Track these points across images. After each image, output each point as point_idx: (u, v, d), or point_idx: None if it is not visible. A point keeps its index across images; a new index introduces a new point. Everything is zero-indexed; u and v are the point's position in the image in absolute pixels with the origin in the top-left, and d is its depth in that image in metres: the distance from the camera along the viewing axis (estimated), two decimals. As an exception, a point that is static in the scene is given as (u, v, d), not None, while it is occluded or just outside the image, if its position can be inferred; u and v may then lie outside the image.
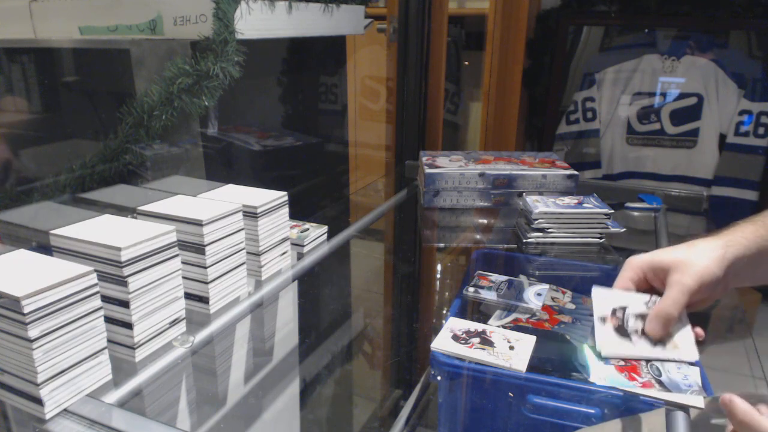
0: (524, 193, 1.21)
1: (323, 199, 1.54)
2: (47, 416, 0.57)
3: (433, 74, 1.62)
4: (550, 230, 1.08)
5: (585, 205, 1.10)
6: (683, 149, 1.75)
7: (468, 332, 0.70)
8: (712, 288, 0.59)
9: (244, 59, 0.89)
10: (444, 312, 0.76)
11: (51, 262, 0.60)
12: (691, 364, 0.59)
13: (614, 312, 0.63)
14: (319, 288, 1.01)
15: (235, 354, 0.79)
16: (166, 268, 0.68)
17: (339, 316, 1.01)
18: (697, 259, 0.59)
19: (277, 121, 1.41)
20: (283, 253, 0.92)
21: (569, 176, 1.23)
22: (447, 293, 1.13)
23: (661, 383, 0.55)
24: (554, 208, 1.08)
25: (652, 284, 0.65)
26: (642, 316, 0.62)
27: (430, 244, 1.25)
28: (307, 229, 1.01)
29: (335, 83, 1.76)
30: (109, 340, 0.62)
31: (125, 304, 0.64)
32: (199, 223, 0.73)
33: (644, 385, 0.55)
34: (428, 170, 1.25)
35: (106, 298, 0.64)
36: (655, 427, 0.56)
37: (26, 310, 0.53)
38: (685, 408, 0.53)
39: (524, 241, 1.08)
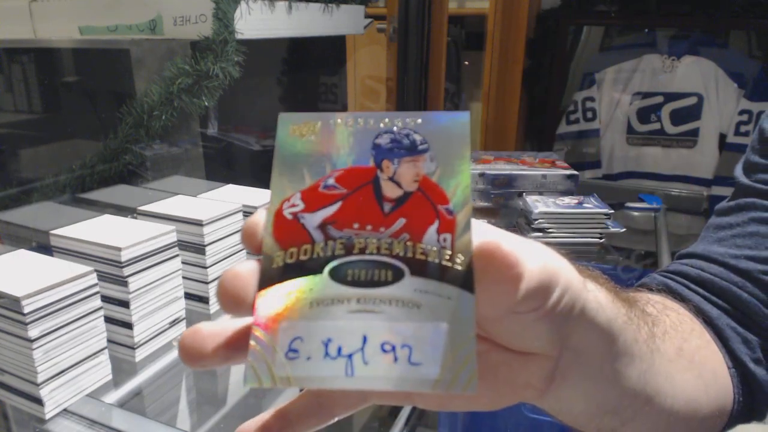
0: (524, 193, 1.21)
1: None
2: (47, 416, 0.57)
3: (433, 74, 1.62)
4: (550, 230, 1.08)
5: (585, 205, 1.10)
6: (683, 149, 1.75)
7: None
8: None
9: (244, 59, 0.89)
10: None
11: (51, 262, 0.60)
12: None
13: None
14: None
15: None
16: (166, 268, 0.68)
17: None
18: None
19: (276, 121, 1.41)
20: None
21: (569, 176, 1.23)
22: (447, 293, 1.12)
23: None
24: (554, 209, 1.08)
25: None
26: None
27: (430, 244, 1.25)
28: (307, 229, 1.01)
29: (335, 83, 1.76)
30: (109, 340, 0.62)
31: (125, 304, 0.64)
32: (199, 224, 0.73)
33: None
34: (428, 170, 1.24)
35: (106, 298, 0.64)
36: None
37: (26, 310, 0.53)
38: None
39: (524, 241, 1.08)
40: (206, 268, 0.75)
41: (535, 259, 0.20)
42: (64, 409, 0.58)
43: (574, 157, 1.85)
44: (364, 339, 0.18)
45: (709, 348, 0.37)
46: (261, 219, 0.21)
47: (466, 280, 0.19)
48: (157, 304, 0.68)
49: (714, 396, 0.35)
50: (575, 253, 1.09)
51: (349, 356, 0.18)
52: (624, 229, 1.09)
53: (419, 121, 0.22)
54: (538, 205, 1.09)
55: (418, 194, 0.21)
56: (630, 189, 1.58)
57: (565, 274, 0.22)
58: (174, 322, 0.71)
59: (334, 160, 0.22)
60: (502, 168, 1.26)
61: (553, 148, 1.88)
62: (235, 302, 0.19)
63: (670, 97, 1.74)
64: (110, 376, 0.63)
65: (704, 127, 1.73)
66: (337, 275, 0.20)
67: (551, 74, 1.87)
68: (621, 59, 1.79)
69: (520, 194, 1.23)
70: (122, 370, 0.65)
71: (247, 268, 0.20)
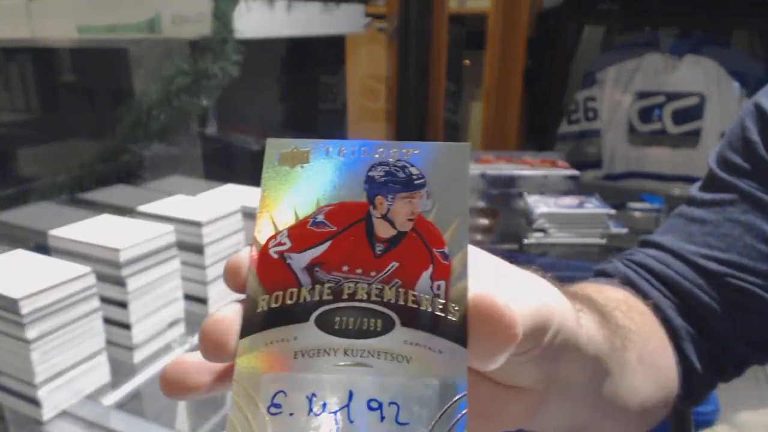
0: (525, 194, 1.20)
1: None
2: (45, 418, 0.56)
3: (434, 74, 1.61)
4: (551, 231, 1.07)
5: (586, 205, 1.10)
6: (685, 149, 1.74)
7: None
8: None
9: (243, 58, 0.89)
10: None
11: (49, 262, 0.60)
12: None
13: None
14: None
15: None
16: (164, 269, 0.68)
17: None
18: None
19: (276, 121, 1.41)
20: (283, 254, 0.91)
21: (570, 176, 1.23)
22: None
23: None
24: (555, 209, 1.07)
25: None
26: None
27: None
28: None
29: (335, 82, 1.76)
30: (107, 341, 0.62)
31: (124, 305, 0.64)
32: (198, 224, 0.73)
33: None
34: (429, 170, 1.24)
35: (104, 299, 0.63)
36: None
37: (24, 311, 0.52)
38: None
39: (525, 241, 1.08)
40: (205, 269, 0.75)
41: (528, 302, 0.20)
42: (63, 411, 0.58)
43: (576, 157, 1.84)
44: (350, 395, 0.17)
45: (665, 349, 0.38)
46: (245, 257, 0.20)
47: (459, 333, 0.18)
48: (155, 305, 0.67)
49: (664, 393, 0.37)
50: (576, 254, 1.08)
51: (334, 413, 0.17)
52: (626, 230, 1.09)
53: (416, 152, 0.21)
54: (539, 205, 1.08)
55: (412, 235, 0.19)
56: (632, 189, 1.58)
57: (560, 313, 0.21)
58: (173, 323, 0.71)
59: (326, 193, 0.20)
60: (502, 168, 1.25)
61: (554, 147, 1.87)
62: (217, 349, 0.18)
63: (672, 96, 1.73)
64: (109, 378, 0.62)
65: (706, 127, 1.72)
66: (324, 323, 0.18)
67: (552, 73, 1.87)
68: (622, 58, 1.78)
69: (520, 194, 1.23)
70: (121, 371, 0.64)
71: (230, 313, 0.19)
